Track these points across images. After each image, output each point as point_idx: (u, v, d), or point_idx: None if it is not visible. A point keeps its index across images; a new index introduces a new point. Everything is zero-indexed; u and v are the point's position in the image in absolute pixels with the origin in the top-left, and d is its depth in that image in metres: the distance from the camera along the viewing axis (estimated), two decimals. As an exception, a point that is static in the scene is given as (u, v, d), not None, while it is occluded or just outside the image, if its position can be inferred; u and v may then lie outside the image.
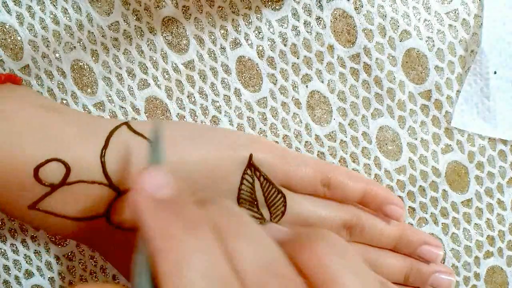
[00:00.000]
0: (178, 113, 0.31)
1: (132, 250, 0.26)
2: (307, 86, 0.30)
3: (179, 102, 0.31)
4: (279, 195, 0.28)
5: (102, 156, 0.25)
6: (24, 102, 0.26)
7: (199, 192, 0.26)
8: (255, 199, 0.27)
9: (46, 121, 0.25)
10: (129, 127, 0.26)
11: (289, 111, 0.31)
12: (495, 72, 0.29)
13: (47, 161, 0.24)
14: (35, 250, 0.32)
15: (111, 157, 0.25)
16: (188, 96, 0.31)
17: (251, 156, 0.27)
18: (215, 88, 0.31)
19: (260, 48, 0.30)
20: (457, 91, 0.30)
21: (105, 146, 0.25)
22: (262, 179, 0.27)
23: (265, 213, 0.28)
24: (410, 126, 0.31)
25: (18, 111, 0.25)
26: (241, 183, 0.27)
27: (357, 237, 0.29)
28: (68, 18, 0.30)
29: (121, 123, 0.27)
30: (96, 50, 0.30)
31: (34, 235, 0.32)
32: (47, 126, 0.25)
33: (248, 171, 0.27)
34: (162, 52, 0.30)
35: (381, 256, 0.29)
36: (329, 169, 0.29)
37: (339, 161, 0.31)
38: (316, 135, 0.31)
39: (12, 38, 0.30)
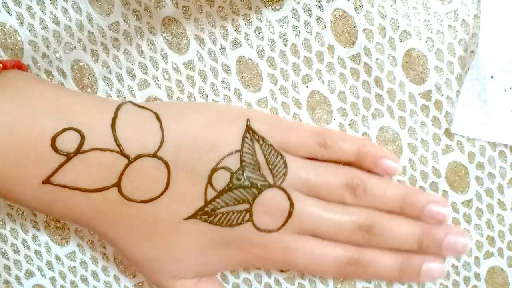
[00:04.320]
0: (178, 113, 0.31)
1: (144, 224, 0.27)
2: (307, 86, 0.30)
3: (179, 102, 0.31)
4: (279, 157, 0.28)
5: (113, 125, 0.26)
6: (34, 81, 0.27)
7: (204, 157, 0.27)
8: (256, 162, 0.28)
9: (57, 95, 0.26)
10: (134, 104, 0.27)
11: (290, 111, 0.31)
12: (491, 77, 0.29)
13: (64, 130, 0.25)
14: (36, 250, 0.32)
15: (121, 127, 0.26)
16: (188, 96, 0.31)
17: (248, 120, 0.28)
18: (215, 88, 0.31)
19: (260, 48, 0.30)
20: (457, 91, 0.30)
21: (115, 117, 0.26)
22: (261, 141, 0.28)
23: (268, 176, 0.28)
24: (410, 126, 0.31)
25: (30, 88, 0.26)
26: (242, 146, 0.28)
27: (361, 198, 0.29)
28: (68, 18, 0.30)
29: (126, 101, 0.28)
30: (96, 50, 0.30)
31: (35, 235, 0.32)
32: (59, 100, 0.26)
33: (247, 135, 0.28)
34: (162, 52, 0.30)
35: (391, 222, 0.29)
36: (324, 131, 0.30)
37: (339, 161, 0.31)
38: (316, 135, 0.31)
39: (12, 38, 0.30)
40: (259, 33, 0.30)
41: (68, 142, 0.25)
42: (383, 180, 0.30)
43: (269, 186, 0.28)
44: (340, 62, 0.30)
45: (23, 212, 0.32)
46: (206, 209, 0.27)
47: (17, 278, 0.32)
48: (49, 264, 0.32)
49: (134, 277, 0.32)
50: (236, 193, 0.27)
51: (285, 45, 0.30)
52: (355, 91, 0.30)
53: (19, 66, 0.28)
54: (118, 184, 0.26)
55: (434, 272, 0.29)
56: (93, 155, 0.25)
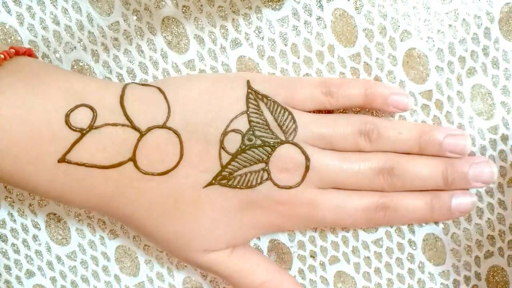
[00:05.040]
0: (178, 113, 0.31)
1: (164, 198, 0.27)
2: (307, 86, 0.30)
3: (180, 102, 0.31)
4: (286, 113, 0.28)
5: (122, 101, 0.26)
6: (46, 65, 0.27)
7: (212, 122, 0.27)
8: (265, 120, 0.28)
9: (68, 77, 0.27)
10: (137, 83, 0.28)
11: (290, 111, 0.31)
12: None
13: (77, 106, 0.25)
14: (36, 250, 0.32)
15: (129, 103, 0.26)
16: (188, 96, 0.31)
17: (248, 81, 0.28)
18: (216, 88, 0.31)
19: (261, 48, 0.30)
20: (458, 91, 0.30)
21: (122, 94, 0.27)
22: (265, 99, 0.28)
23: (279, 133, 0.28)
24: (410, 125, 0.31)
25: (42, 71, 0.26)
26: (248, 107, 0.28)
27: (377, 143, 0.28)
28: (68, 18, 0.30)
29: (130, 82, 0.28)
30: (96, 50, 0.30)
31: (36, 235, 0.32)
32: (70, 81, 0.26)
33: (251, 95, 0.28)
34: (162, 52, 0.30)
35: (411, 162, 0.29)
36: (327, 80, 0.29)
37: (340, 161, 0.31)
38: (316, 135, 0.31)
39: (12, 38, 0.30)
40: (259, 32, 0.30)
41: (80, 120, 0.25)
42: (396, 122, 0.30)
43: (282, 142, 0.28)
44: (340, 62, 0.30)
45: (23, 211, 0.32)
46: (224, 173, 0.27)
47: (18, 278, 0.32)
48: (49, 264, 0.32)
49: (135, 276, 0.32)
50: (250, 154, 0.27)
51: (286, 45, 0.30)
52: (356, 91, 0.30)
53: (30, 54, 0.28)
54: (133, 158, 0.26)
55: (465, 206, 0.29)
56: (106, 131, 0.26)
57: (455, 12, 0.29)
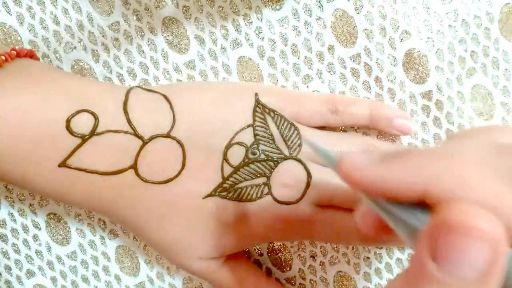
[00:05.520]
0: (178, 113, 0.31)
1: (163, 205, 0.27)
2: (307, 86, 0.30)
3: (180, 102, 0.31)
4: (293, 128, 0.28)
5: (125, 107, 0.26)
6: (47, 68, 0.27)
7: (216, 134, 0.27)
8: (270, 135, 0.28)
9: (69, 81, 0.27)
10: (142, 88, 0.28)
11: (290, 111, 0.31)
12: None
13: (78, 112, 0.25)
14: (37, 250, 0.32)
15: (132, 109, 0.26)
16: (188, 96, 0.31)
17: (256, 94, 0.28)
18: (216, 88, 0.31)
19: (261, 48, 0.30)
20: (458, 91, 0.30)
21: (126, 100, 0.26)
22: (272, 114, 0.28)
23: (283, 148, 0.28)
24: (410, 126, 0.31)
25: (44, 74, 0.26)
26: (254, 120, 0.27)
27: None
28: (68, 18, 0.30)
29: (134, 86, 0.28)
30: (96, 50, 0.30)
31: (36, 235, 0.32)
32: (71, 85, 0.26)
33: (258, 109, 0.28)
34: (163, 52, 0.30)
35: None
36: (334, 98, 0.29)
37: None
38: (316, 135, 0.31)
39: (12, 38, 0.30)
40: (260, 33, 0.30)
41: (82, 126, 0.25)
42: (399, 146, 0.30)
43: (285, 158, 0.28)
44: (340, 62, 0.30)
45: (23, 211, 0.32)
46: (225, 185, 0.27)
47: (18, 278, 0.32)
48: (50, 263, 0.32)
49: (135, 276, 0.32)
50: (253, 167, 0.27)
51: (286, 45, 0.30)
52: (356, 91, 0.30)
53: (31, 56, 0.28)
54: (134, 166, 0.26)
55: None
56: (108, 138, 0.26)
57: (455, 13, 0.29)
